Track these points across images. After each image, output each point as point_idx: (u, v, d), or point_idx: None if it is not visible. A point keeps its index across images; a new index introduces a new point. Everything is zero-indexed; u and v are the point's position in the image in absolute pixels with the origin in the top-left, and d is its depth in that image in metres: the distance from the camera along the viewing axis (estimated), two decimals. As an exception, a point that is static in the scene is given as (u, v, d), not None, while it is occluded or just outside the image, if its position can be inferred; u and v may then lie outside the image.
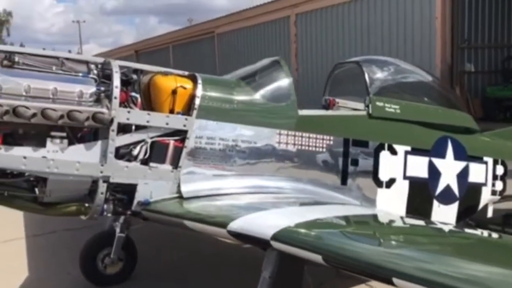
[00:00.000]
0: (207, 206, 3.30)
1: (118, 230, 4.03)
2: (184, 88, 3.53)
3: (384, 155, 4.11)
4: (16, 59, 3.16)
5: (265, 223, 2.67)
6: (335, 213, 3.15)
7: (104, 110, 3.18)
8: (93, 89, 3.25)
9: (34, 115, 2.94)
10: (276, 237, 2.42)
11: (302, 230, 2.47)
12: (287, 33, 17.78)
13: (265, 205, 3.31)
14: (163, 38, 22.98)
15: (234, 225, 2.69)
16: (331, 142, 3.91)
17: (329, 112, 4.39)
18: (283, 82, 3.89)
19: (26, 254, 5.09)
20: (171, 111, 3.51)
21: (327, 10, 16.56)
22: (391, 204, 4.14)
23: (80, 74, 3.34)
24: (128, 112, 3.32)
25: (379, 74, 4.43)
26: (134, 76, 3.57)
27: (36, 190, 3.31)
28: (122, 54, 23.54)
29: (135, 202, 3.40)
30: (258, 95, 3.78)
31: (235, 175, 3.62)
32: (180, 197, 3.46)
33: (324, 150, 3.88)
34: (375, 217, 3.36)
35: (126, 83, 3.44)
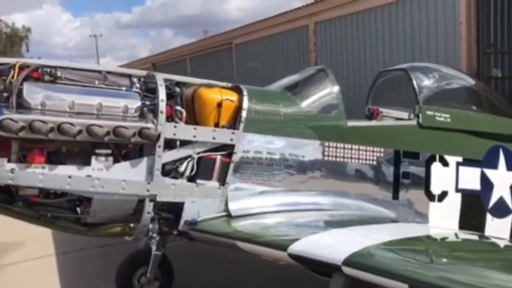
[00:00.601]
0: (259, 225, 3.11)
1: (154, 248, 3.85)
2: (231, 100, 3.38)
3: (436, 166, 3.92)
4: (59, 73, 3.03)
5: (331, 245, 2.48)
6: (402, 234, 2.94)
7: (151, 125, 3.03)
8: (138, 103, 3.11)
9: (79, 132, 2.79)
10: (349, 262, 2.22)
11: (377, 254, 2.28)
12: (306, 42, 17.59)
13: (322, 223, 3.12)
14: (181, 50, 22.92)
15: (296, 248, 2.50)
16: (381, 154, 3.72)
17: (379, 123, 4.19)
18: (330, 91, 3.72)
19: (58, 271, 4.96)
20: (216, 125, 3.35)
21: (347, 18, 16.33)
22: (444, 218, 3.93)
23: (124, 88, 3.20)
24: (175, 127, 3.17)
25: (426, 82, 4.24)
26: (177, 89, 3.43)
27: (79, 210, 3.17)
28: (140, 67, 23.60)
29: (182, 221, 3.24)
30: (304, 106, 3.61)
31: (283, 191, 3.45)
32: (228, 215, 3.29)
33: (375, 163, 3.70)
34: (447, 238, 3.15)
35: (169, 96, 3.29)
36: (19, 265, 5.14)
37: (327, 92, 3.72)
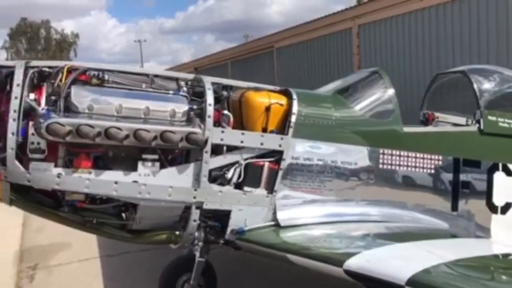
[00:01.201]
0: (309, 237, 2.95)
1: (197, 254, 3.74)
2: (280, 104, 3.23)
3: (499, 176, 3.64)
4: (106, 77, 2.97)
5: (391, 262, 2.29)
6: (467, 252, 2.71)
7: (198, 130, 2.93)
8: (185, 107, 3.01)
9: (126, 136, 2.71)
10: (413, 282, 2.03)
11: (443, 275, 2.08)
12: (349, 45, 17.22)
13: (376, 236, 2.93)
14: (222, 55, 23.09)
15: (353, 264, 2.33)
16: (440, 163, 3.48)
17: (436, 129, 3.94)
18: (385, 95, 3.52)
19: (102, 274, 4.96)
20: (264, 130, 3.22)
21: (392, 20, 15.83)
22: (508, 232, 3.64)
23: (171, 92, 3.11)
24: (222, 132, 3.05)
25: (487, 85, 3.95)
26: (224, 93, 3.32)
27: (124, 216, 3.10)
28: (182, 71, 23.77)
29: (228, 230, 3.11)
30: (358, 110, 3.42)
31: (334, 200, 3.27)
32: (276, 225, 3.14)
33: (432, 171, 3.46)
34: None
35: (216, 100, 3.18)
36: (65, 267, 5.20)
37: (382, 95, 3.53)
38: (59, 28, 53.01)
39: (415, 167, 3.41)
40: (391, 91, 3.51)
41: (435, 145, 3.51)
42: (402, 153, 3.38)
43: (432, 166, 3.46)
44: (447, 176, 3.52)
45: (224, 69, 22.91)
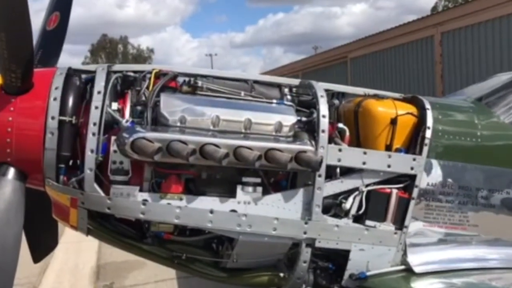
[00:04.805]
0: None
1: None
2: (411, 115, 2.57)
3: None
4: (199, 83, 2.46)
5: None
6: None
7: (310, 147, 2.33)
8: (293, 119, 2.42)
9: (226, 155, 2.16)
10: None
11: None
12: (430, 54, 16.22)
13: None
14: (293, 66, 22.94)
15: None
16: None
17: None
18: None
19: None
20: (387, 148, 2.56)
21: (480, 27, 14.64)
22: None
23: (274, 101, 2.55)
24: (340, 150, 2.43)
25: None
26: (336, 101, 2.72)
27: (217, 250, 2.56)
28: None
29: (346, 274, 2.47)
30: (509, 124, 2.68)
31: (481, 239, 2.56)
32: (406, 269, 2.47)
33: None
34: None
35: None
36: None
37: None
38: (136, 44, 55.50)
39: None
40: None
41: None
42: None
43: None
44: None
45: (295, 80, 22.61)
